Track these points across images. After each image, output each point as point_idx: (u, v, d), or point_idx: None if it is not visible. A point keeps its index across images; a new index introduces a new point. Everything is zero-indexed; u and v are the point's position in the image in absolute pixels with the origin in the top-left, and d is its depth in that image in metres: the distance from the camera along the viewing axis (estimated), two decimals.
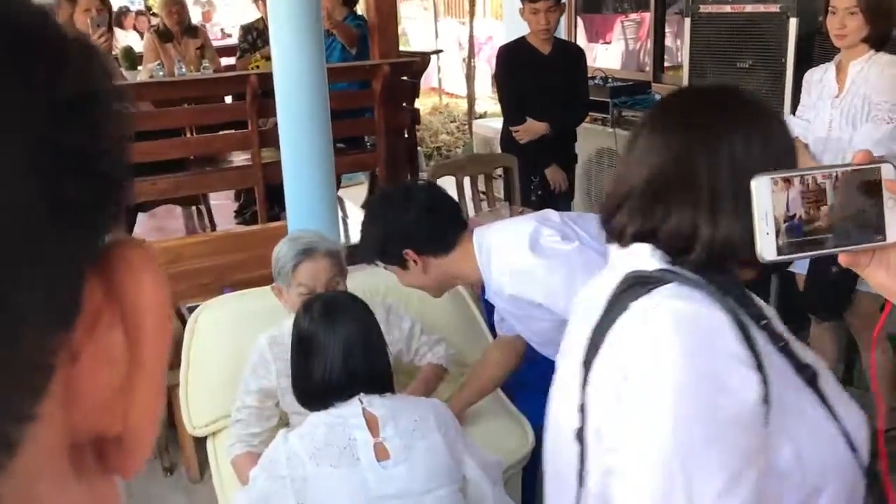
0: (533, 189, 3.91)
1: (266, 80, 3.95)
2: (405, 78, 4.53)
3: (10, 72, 0.23)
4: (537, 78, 3.84)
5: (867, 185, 0.81)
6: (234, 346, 2.48)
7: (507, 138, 3.96)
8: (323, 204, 2.91)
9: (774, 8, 3.62)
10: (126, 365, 0.26)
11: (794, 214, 0.80)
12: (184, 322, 3.02)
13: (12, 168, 0.23)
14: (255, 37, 5.44)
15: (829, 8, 2.87)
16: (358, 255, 2.18)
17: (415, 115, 4.78)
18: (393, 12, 4.54)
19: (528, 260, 1.84)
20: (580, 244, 1.84)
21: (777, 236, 0.80)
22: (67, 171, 0.24)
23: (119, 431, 0.27)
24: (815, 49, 3.62)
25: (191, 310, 3.00)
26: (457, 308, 2.81)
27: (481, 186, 3.98)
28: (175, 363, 2.89)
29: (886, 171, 0.81)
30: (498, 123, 6.96)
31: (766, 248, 0.80)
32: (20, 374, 0.23)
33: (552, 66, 3.86)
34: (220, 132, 4.66)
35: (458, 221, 2.03)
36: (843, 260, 0.82)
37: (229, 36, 12.09)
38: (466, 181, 3.93)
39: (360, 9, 5.15)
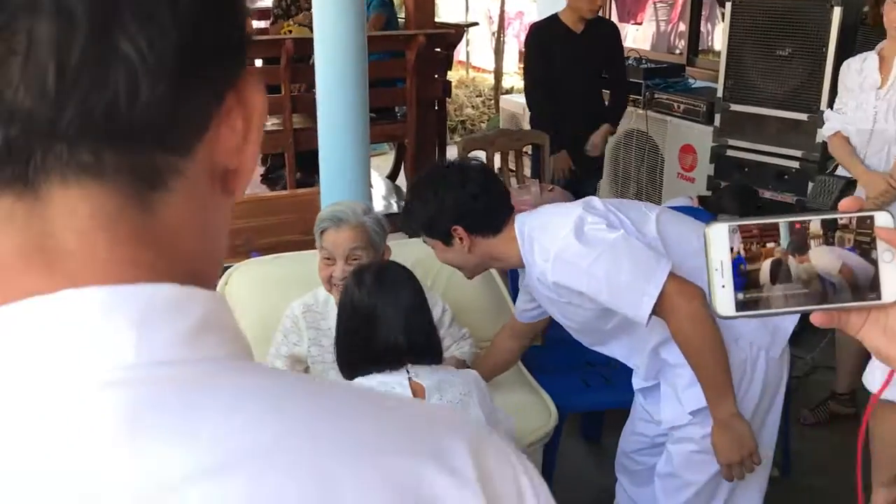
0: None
1: (301, 45, 3.96)
2: (438, 50, 4.51)
3: None
4: (570, 57, 3.81)
5: (858, 235, 0.71)
6: (264, 309, 2.50)
7: (536, 116, 3.95)
8: (356, 172, 2.92)
9: None
10: (242, 134, 0.47)
11: (757, 267, 0.71)
12: None
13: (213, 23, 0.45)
14: (289, 3, 5.43)
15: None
16: (401, 225, 2.18)
17: (446, 88, 4.76)
18: None
19: (573, 247, 1.82)
20: (625, 232, 1.83)
21: (735, 290, 0.71)
22: (232, 25, 0.46)
23: (236, 166, 0.48)
24: (858, 40, 3.57)
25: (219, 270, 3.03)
26: (486, 286, 2.81)
27: (510, 163, 3.98)
28: None
29: (882, 220, 0.70)
30: (522, 98, 6.94)
31: (722, 303, 0.71)
32: (202, 103, 0.45)
33: (586, 45, 3.83)
34: None
35: (507, 204, 2.02)
36: (816, 320, 0.72)
37: None
38: (496, 157, 3.92)
39: None
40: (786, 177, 3.87)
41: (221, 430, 0.42)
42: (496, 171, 3.91)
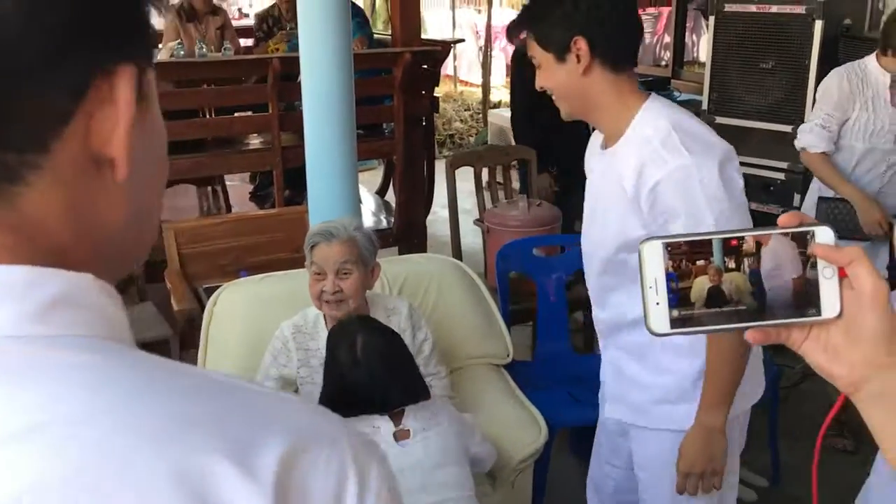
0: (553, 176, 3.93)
1: (288, 63, 3.97)
2: (425, 66, 4.53)
3: None
4: None
5: (797, 251, 0.69)
6: (253, 330, 2.50)
7: (520, 134, 3.97)
8: (344, 189, 2.92)
9: (800, 9, 3.61)
10: (112, 124, 0.49)
11: (692, 284, 0.70)
12: (200, 302, 3.05)
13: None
14: (271, 24, 5.44)
15: None
16: (511, 26, 1.81)
17: (434, 104, 4.78)
18: (416, 0, 4.53)
19: (712, 175, 1.56)
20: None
21: (670, 307, 0.70)
22: (84, 21, 0.46)
23: (111, 154, 0.49)
24: (840, 52, 3.61)
25: (207, 291, 3.03)
26: (476, 303, 2.82)
27: (499, 178, 3.99)
28: (192, 344, 2.92)
29: (822, 236, 0.69)
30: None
31: (656, 320, 0.70)
32: (53, 102, 0.46)
33: None
34: (238, 114, 4.67)
35: (638, 45, 1.75)
36: (751, 337, 0.71)
37: (246, 16, 12.06)
38: (484, 172, 3.94)
39: None
40: (771, 188, 3.90)
41: (37, 399, 0.44)
42: (484, 186, 3.94)
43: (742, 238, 0.70)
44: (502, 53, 11.22)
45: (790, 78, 3.75)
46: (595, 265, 1.84)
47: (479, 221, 3.62)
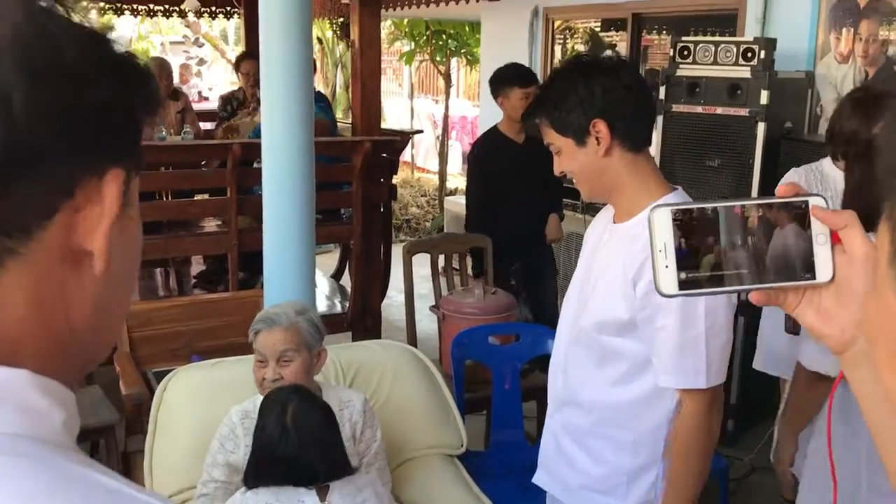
0: (513, 272, 3.97)
1: (247, 148, 4.02)
2: (385, 155, 4.61)
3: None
4: (513, 169, 3.90)
5: (794, 219, 0.75)
6: (203, 417, 2.44)
7: (477, 227, 4.02)
8: (301, 274, 2.93)
9: (744, 112, 3.79)
10: (96, 221, 0.51)
11: (698, 248, 0.75)
12: (150, 388, 2.98)
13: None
14: (235, 106, 5.53)
15: None
16: (525, 115, 1.86)
17: (392, 191, 4.85)
18: (377, 91, 4.65)
19: None
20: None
21: (678, 270, 0.76)
22: (86, 132, 0.51)
23: (91, 248, 0.52)
24: (782, 152, 3.78)
25: (157, 375, 2.97)
26: (431, 390, 2.81)
27: (455, 264, 4.03)
28: (139, 430, 2.84)
29: (816, 202, 0.76)
30: None
31: (665, 281, 0.76)
32: (43, 195, 0.49)
33: (528, 155, 3.89)
34: (195, 197, 4.68)
35: (653, 122, 1.79)
36: (754, 298, 0.77)
37: (206, 99, 12.19)
38: (440, 259, 3.98)
39: (318, 83, 5.26)
40: None
41: None
42: (440, 272, 3.97)
43: (744, 206, 0.75)
44: (458, 143, 11.49)
45: (735, 175, 3.90)
46: (569, 332, 1.85)
47: (434, 308, 3.64)
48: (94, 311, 0.54)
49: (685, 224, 0.76)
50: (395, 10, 5.68)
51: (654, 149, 4.29)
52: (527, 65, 6.25)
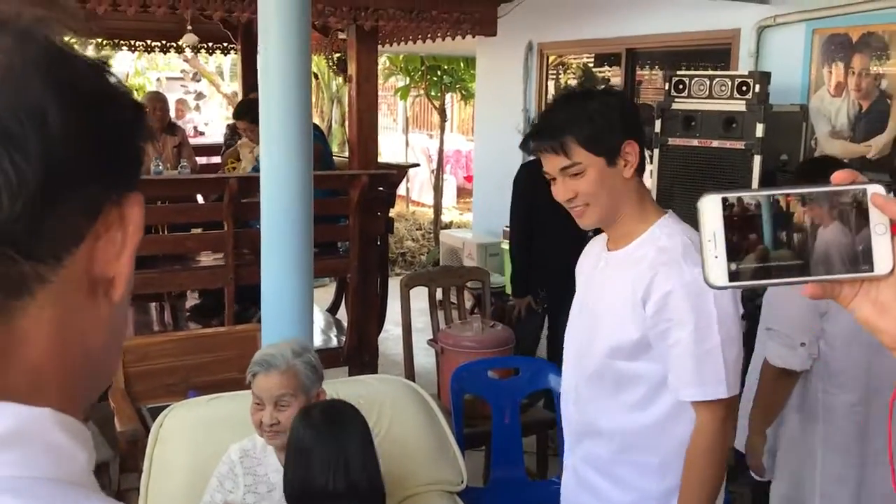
0: (540, 301, 3.99)
1: (246, 183, 4.02)
2: (381, 188, 4.62)
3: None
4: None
5: (851, 208, 0.71)
6: (200, 454, 2.40)
7: (516, 252, 4.14)
8: (298, 309, 2.91)
9: (740, 145, 3.82)
10: (119, 247, 0.52)
11: (749, 238, 0.71)
12: (145, 424, 2.94)
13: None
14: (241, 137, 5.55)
15: None
16: (545, 131, 1.72)
17: (388, 225, 4.85)
18: (374, 125, 4.67)
19: (721, 295, 1.61)
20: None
21: (728, 260, 0.72)
22: (112, 154, 0.51)
23: (112, 276, 0.52)
24: (778, 185, 3.80)
25: (153, 411, 2.93)
26: (430, 425, 2.77)
27: (452, 298, 4.02)
28: (134, 467, 2.80)
29: (876, 191, 0.71)
30: (464, 234, 7.11)
31: (715, 272, 0.72)
32: (75, 219, 0.49)
33: None
34: (192, 231, 4.67)
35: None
36: (808, 291, 0.73)
37: (202, 134, 12.25)
38: (438, 292, 3.97)
39: (315, 118, 5.31)
40: None
41: None
42: (437, 305, 3.96)
43: (799, 194, 0.71)
44: (453, 176, 11.54)
45: None
46: (576, 365, 1.83)
47: (432, 342, 3.61)
48: (107, 339, 0.54)
49: (736, 213, 0.71)
50: (391, 45, 5.74)
51: (651, 181, 4.31)
52: (521, 100, 6.33)
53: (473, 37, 4.84)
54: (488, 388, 3.11)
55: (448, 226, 9.20)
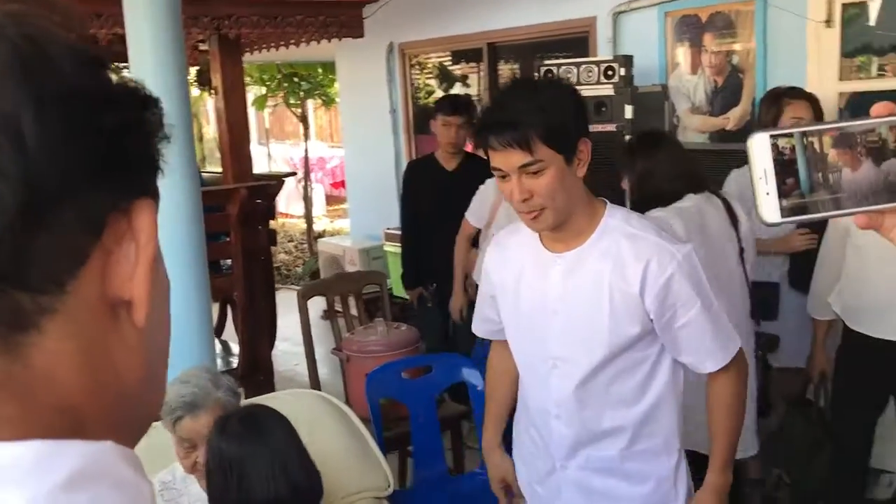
0: (430, 292, 3.98)
1: None
2: (259, 201, 4.50)
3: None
4: (438, 195, 3.93)
5: (890, 140, 0.72)
6: None
7: (404, 245, 4.19)
8: (199, 332, 2.79)
9: (611, 127, 3.96)
10: (134, 263, 0.46)
11: (799, 173, 0.73)
12: None
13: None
14: None
15: None
16: (523, 123, 1.58)
17: (271, 237, 4.73)
18: (246, 135, 4.53)
19: (697, 257, 1.67)
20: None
21: (780, 197, 0.73)
22: (107, 155, 0.44)
23: (130, 297, 0.46)
24: None
25: None
26: (347, 434, 2.73)
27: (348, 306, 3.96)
28: None
29: None
30: (342, 241, 7.03)
31: (768, 209, 0.73)
32: (71, 238, 0.43)
33: (455, 182, 3.90)
34: None
35: None
36: (858, 221, 0.74)
37: None
38: (336, 300, 3.90)
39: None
40: None
41: None
42: (334, 312, 3.89)
43: (845, 128, 0.73)
44: (320, 185, 11.39)
45: (608, 185, 4.05)
46: (571, 376, 1.73)
47: (336, 350, 3.55)
48: (142, 367, 0.49)
49: (785, 150, 0.73)
50: (251, 53, 5.59)
51: None
52: (388, 101, 6.32)
53: (340, 39, 4.78)
54: (403, 389, 3.09)
55: (322, 235, 9.07)
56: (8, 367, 0.42)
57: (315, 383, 3.71)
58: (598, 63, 4.02)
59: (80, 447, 0.43)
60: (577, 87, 3.94)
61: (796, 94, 3.13)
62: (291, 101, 9.24)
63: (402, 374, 3.12)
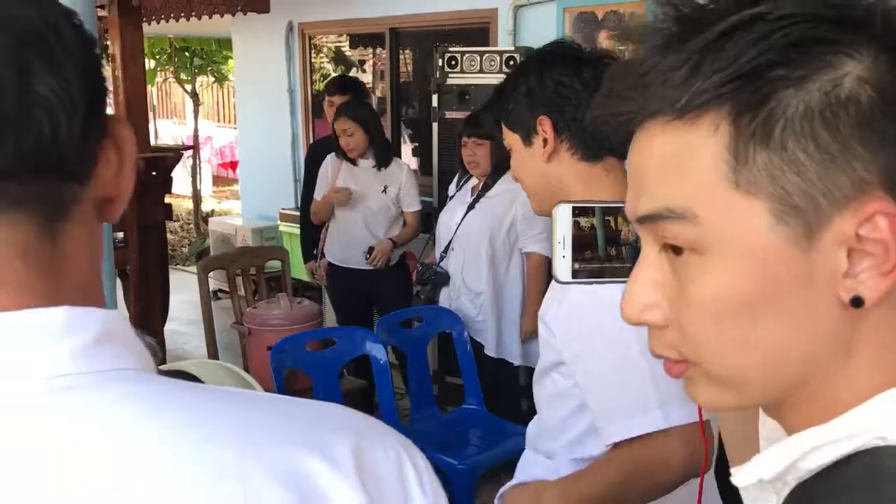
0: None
1: None
2: (155, 173, 4.39)
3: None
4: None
5: None
6: None
7: (303, 219, 4.22)
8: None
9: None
10: (117, 164, 0.55)
11: (593, 242, 0.83)
12: None
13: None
14: None
15: None
16: (485, 107, 1.51)
17: (167, 212, 4.62)
18: (144, 107, 4.39)
19: None
20: None
21: (573, 261, 0.83)
22: (101, 75, 0.55)
23: (114, 195, 0.56)
24: None
25: None
26: None
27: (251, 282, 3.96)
28: None
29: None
30: (233, 220, 6.92)
31: (561, 270, 0.83)
32: (95, 138, 0.53)
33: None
34: None
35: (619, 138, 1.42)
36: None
37: None
38: (239, 276, 3.89)
39: None
40: None
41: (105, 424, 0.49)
42: (235, 286, 3.88)
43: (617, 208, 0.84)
44: (208, 164, 11.12)
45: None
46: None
47: (237, 324, 3.55)
48: (101, 256, 0.58)
49: (584, 220, 0.83)
50: (148, 24, 5.42)
51: (433, 154, 4.52)
52: (286, 80, 6.26)
53: (245, 14, 4.73)
54: (308, 360, 3.14)
55: (210, 214, 8.88)
56: (48, 248, 0.51)
57: (214, 356, 3.71)
58: (500, 53, 4.18)
59: (100, 313, 0.52)
60: (480, 76, 4.17)
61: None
62: (182, 77, 8.98)
63: (307, 346, 3.17)
